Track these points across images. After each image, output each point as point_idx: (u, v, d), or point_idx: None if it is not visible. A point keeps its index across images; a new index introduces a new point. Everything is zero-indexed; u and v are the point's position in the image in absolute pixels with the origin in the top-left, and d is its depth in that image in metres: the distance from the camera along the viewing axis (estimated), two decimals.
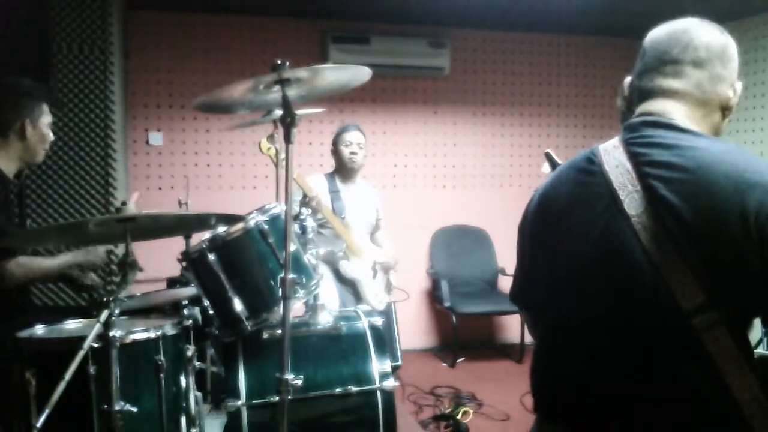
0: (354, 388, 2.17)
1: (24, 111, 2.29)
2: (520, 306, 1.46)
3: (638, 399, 1.13)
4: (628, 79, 1.36)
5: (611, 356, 1.17)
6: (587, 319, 1.20)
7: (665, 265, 1.08)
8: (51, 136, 2.40)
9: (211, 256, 2.07)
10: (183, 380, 2.03)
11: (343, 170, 3.53)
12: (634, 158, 1.17)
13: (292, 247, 1.88)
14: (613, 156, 1.21)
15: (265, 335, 2.18)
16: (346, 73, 1.92)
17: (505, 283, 5.11)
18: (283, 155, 1.84)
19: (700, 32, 1.29)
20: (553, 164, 2.36)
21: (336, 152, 3.54)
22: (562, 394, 1.27)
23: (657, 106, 1.25)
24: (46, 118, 2.36)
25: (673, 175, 1.11)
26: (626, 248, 1.13)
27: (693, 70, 1.24)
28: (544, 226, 1.32)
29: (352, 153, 3.47)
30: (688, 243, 1.07)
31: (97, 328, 1.66)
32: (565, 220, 1.25)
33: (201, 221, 2.18)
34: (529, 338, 4.80)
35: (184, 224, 2.30)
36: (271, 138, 2.69)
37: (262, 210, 2.14)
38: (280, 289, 1.69)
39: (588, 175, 1.23)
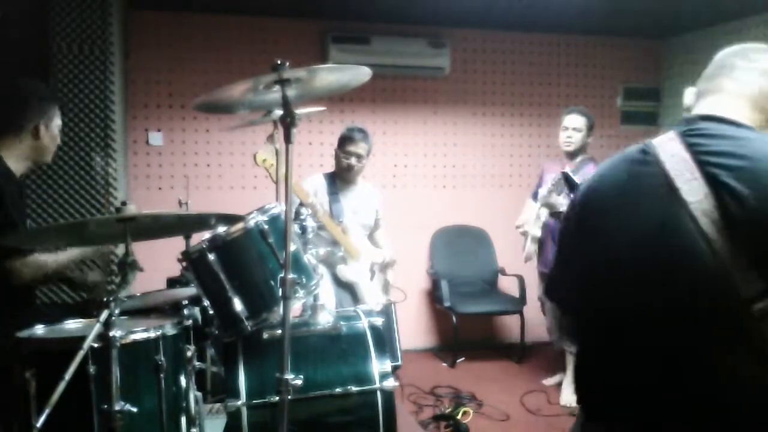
0: (354, 388, 2.17)
1: (40, 113, 2.36)
2: (554, 302, 1.44)
3: (696, 392, 1.12)
4: (692, 90, 1.37)
5: (665, 348, 1.16)
6: (640, 310, 1.19)
7: (726, 250, 1.08)
8: (59, 139, 2.47)
9: (211, 256, 2.07)
10: (183, 380, 2.03)
11: (341, 175, 3.52)
12: (692, 148, 1.18)
13: (292, 247, 1.88)
14: (667, 147, 1.21)
15: (265, 335, 2.18)
16: (346, 73, 1.92)
17: (505, 283, 5.11)
18: (282, 166, 1.85)
19: (765, 52, 1.31)
20: (571, 185, 2.31)
21: (336, 157, 3.52)
22: (613, 390, 1.25)
23: (712, 103, 1.28)
24: (58, 121, 2.44)
25: (734, 163, 1.11)
26: (685, 235, 1.12)
27: (750, 74, 1.27)
28: (592, 216, 1.31)
29: (349, 165, 3.45)
30: (750, 228, 1.08)
31: (97, 328, 1.66)
32: (615, 210, 1.25)
33: (201, 221, 2.18)
34: (529, 338, 4.82)
35: (184, 224, 2.30)
36: (270, 138, 2.69)
37: (262, 210, 2.14)
38: (280, 289, 1.69)
39: (641, 165, 1.23)
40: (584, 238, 1.32)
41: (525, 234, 3.96)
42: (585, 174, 3.77)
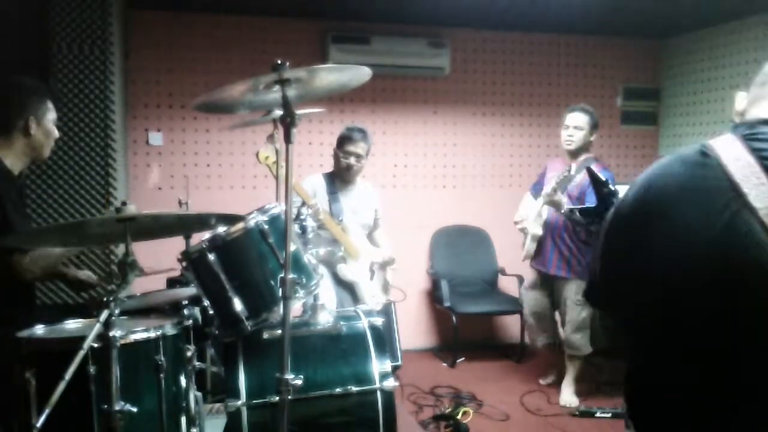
0: (354, 388, 2.17)
1: (28, 109, 2.30)
2: (598, 306, 1.41)
3: (762, 397, 1.11)
4: (743, 94, 1.35)
5: (729, 351, 1.14)
6: (704, 313, 1.16)
7: None
8: (56, 133, 2.42)
9: (211, 256, 2.07)
10: (183, 380, 2.03)
11: (340, 175, 3.52)
12: (757, 152, 1.15)
13: (292, 247, 1.88)
14: (730, 150, 1.19)
15: (265, 335, 2.18)
16: (346, 73, 1.92)
17: (505, 283, 5.11)
18: (282, 165, 1.86)
19: None
20: (598, 182, 2.28)
21: (336, 156, 3.52)
22: (670, 392, 1.23)
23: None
24: (50, 115, 2.38)
25: None
26: (752, 240, 1.10)
27: None
28: (650, 217, 1.26)
29: (348, 165, 3.45)
30: None
31: (97, 328, 1.66)
32: (676, 212, 1.22)
33: (201, 221, 2.18)
34: (528, 338, 4.81)
35: (184, 224, 2.30)
36: (270, 138, 2.69)
37: (262, 210, 2.14)
38: (280, 289, 1.69)
39: (702, 168, 1.20)
40: (641, 239, 1.28)
41: (524, 230, 3.95)
42: None
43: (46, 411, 1.59)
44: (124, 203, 1.78)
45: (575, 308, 3.87)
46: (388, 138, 5.05)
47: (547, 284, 4.02)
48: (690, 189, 1.21)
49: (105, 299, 1.69)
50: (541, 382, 4.28)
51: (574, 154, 3.87)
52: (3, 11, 3.64)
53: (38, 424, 1.59)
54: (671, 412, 1.23)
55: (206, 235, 2.16)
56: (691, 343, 1.18)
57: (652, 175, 1.29)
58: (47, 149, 2.41)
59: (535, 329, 4.15)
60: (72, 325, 2.06)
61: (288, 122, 1.71)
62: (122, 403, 1.71)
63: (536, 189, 4.06)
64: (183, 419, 2.01)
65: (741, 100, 1.33)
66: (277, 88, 1.77)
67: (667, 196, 1.24)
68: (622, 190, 1.82)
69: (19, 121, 2.29)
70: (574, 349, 3.89)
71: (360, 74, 1.89)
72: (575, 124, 3.84)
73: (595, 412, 3.69)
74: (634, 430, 1.31)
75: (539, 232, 3.84)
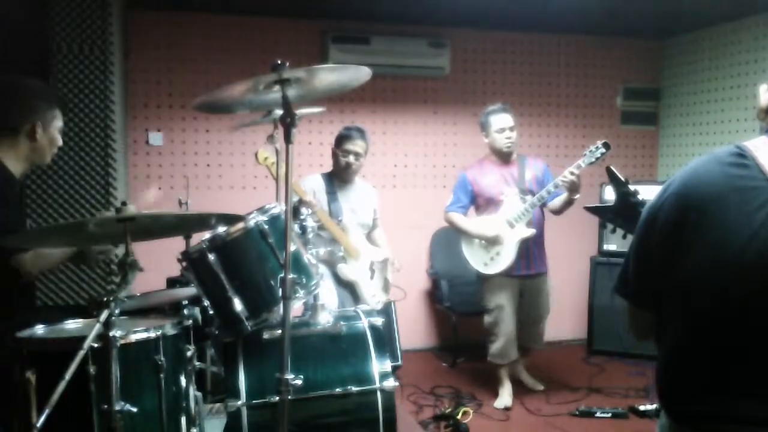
0: (354, 388, 2.17)
1: (37, 113, 2.29)
2: (635, 304, 1.39)
3: None
4: (764, 87, 1.36)
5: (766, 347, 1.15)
6: (743, 315, 1.18)
7: None
8: (60, 141, 2.41)
9: (211, 256, 2.07)
10: (183, 380, 2.03)
11: (339, 174, 3.53)
12: None
13: (292, 247, 1.88)
14: (765, 151, 1.22)
15: (265, 335, 2.19)
16: (346, 73, 1.92)
17: None
18: (282, 165, 1.86)
19: None
20: (617, 181, 2.29)
21: (335, 155, 3.53)
22: (710, 397, 1.23)
23: None
24: (57, 123, 2.37)
25: None
26: None
27: None
28: (683, 219, 1.27)
29: (348, 163, 3.46)
30: None
31: (97, 328, 1.66)
32: (711, 212, 1.23)
33: (201, 221, 2.18)
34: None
35: (184, 224, 2.30)
36: (270, 138, 2.69)
37: (262, 210, 2.14)
38: (280, 289, 1.69)
39: (739, 168, 1.23)
40: (677, 236, 1.28)
41: (495, 242, 3.72)
42: (534, 167, 3.84)
43: (46, 411, 1.59)
44: (124, 203, 1.78)
45: (549, 299, 3.89)
46: (388, 138, 5.05)
47: (520, 290, 3.87)
48: (727, 188, 1.23)
49: (105, 299, 1.69)
50: (502, 406, 3.87)
51: (510, 154, 3.88)
52: (3, 11, 3.64)
53: (38, 424, 1.59)
54: (707, 399, 1.24)
55: (206, 235, 2.16)
56: (728, 335, 1.20)
57: (687, 175, 1.30)
58: (49, 156, 2.39)
59: (509, 348, 3.94)
60: (72, 325, 2.07)
61: (288, 122, 1.71)
62: (122, 403, 1.71)
63: (459, 206, 3.93)
64: (183, 419, 2.01)
65: (764, 94, 1.34)
66: (277, 88, 1.77)
67: (704, 195, 1.25)
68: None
69: (26, 124, 2.27)
70: (540, 343, 3.86)
71: (360, 74, 1.89)
72: (511, 125, 3.85)
73: (595, 412, 3.69)
74: (667, 418, 1.32)
75: (532, 231, 3.70)
